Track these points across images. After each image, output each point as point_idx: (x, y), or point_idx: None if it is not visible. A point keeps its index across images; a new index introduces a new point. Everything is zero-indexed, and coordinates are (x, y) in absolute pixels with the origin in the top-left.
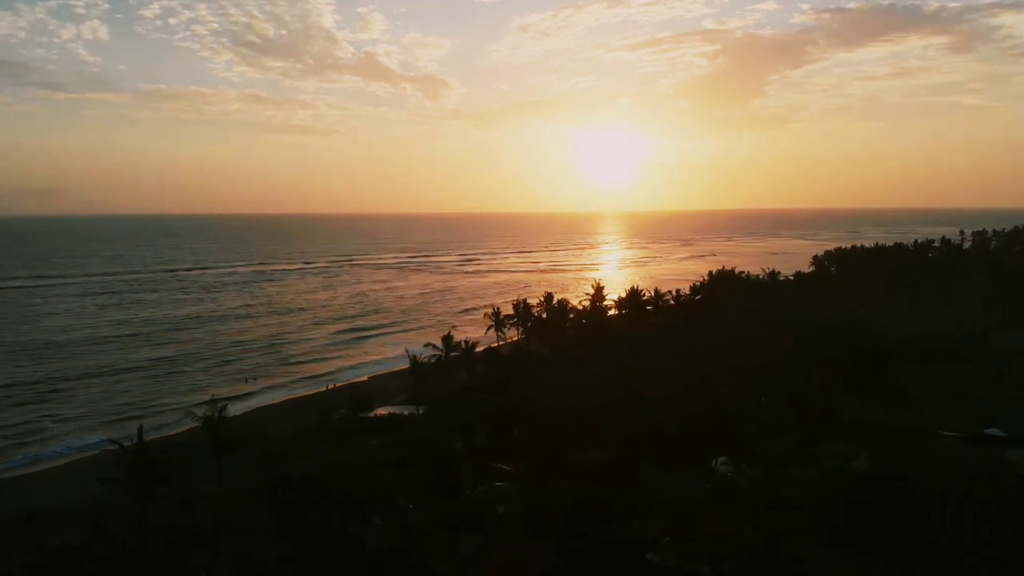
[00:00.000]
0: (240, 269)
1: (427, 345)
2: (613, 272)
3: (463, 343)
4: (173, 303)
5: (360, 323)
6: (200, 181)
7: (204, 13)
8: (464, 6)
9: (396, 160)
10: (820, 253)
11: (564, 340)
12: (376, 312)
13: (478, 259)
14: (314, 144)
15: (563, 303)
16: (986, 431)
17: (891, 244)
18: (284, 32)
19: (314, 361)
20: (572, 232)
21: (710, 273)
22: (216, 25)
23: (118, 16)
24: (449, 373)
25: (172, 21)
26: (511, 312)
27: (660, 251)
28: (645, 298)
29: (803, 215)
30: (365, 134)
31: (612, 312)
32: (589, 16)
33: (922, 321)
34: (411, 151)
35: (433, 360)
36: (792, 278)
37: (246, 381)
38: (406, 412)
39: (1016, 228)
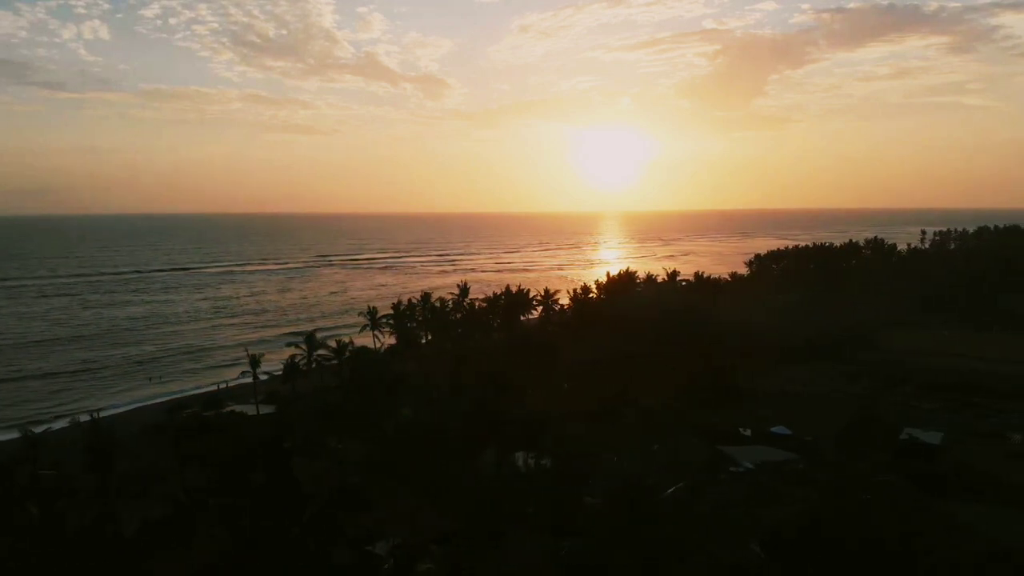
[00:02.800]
0: (210, 269)
1: (290, 344)
2: (581, 271)
3: (336, 342)
4: (123, 304)
5: (303, 327)
6: (201, 180)
7: (204, 13)
8: (464, 6)
9: (396, 159)
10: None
11: (413, 337)
12: (323, 316)
13: (456, 259)
14: (315, 144)
15: (442, 300)
16: (772, 429)
17: (823, 244)
18: (284, 32)
19: (233, 364)
20: (564, 232)
21: (608, 274)
22: (216, 25)
23: (119, 16)
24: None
25: (172, 21)
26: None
27: (640, 251)
28: (533, 297)
29: (800, 215)
30: (366, 134)
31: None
32: (589, 16)
33: (824, 321)
34: (411, 151)
35: (299, 361)
36: (692, 279)
37: (150, 380)
38: (250, 412)
39: (981, 228)
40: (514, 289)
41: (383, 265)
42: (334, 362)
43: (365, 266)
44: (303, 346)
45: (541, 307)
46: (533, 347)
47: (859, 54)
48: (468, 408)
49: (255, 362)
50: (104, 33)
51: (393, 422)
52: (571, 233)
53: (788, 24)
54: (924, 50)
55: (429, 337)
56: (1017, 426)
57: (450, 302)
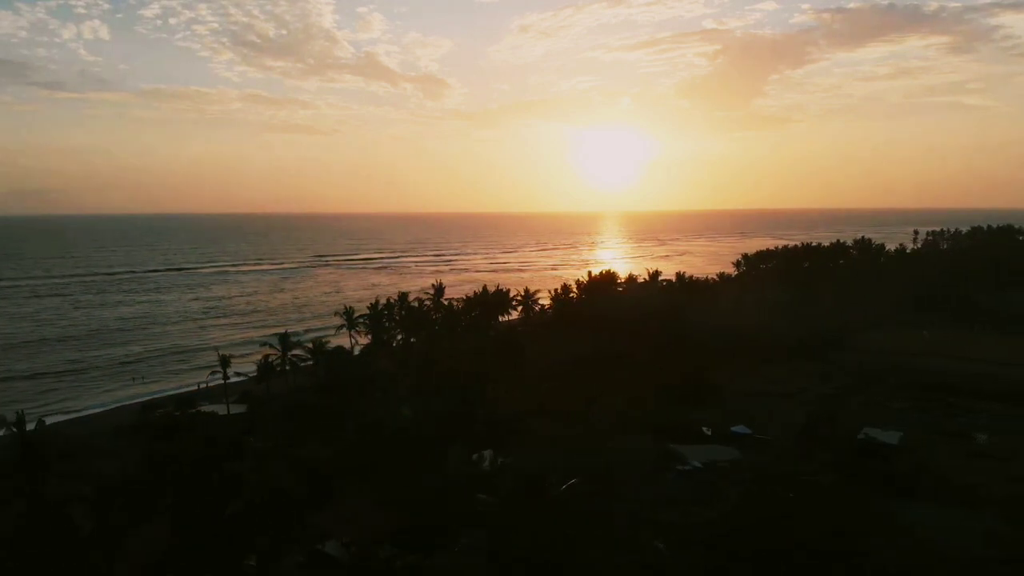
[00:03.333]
0: (205, 269)
1: (264, 344)
2: (576, 271)
3: (311, 343)
4: (114, 305)
5: (292, 327)
6: (200, 180)
7: (204, 13)
8: (464, 6)
9: (396, 159)
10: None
11: (388, 338)
12: (313, 317)
13: (452, 259)
14: (315, 143)
15: (419, 300)
16: (732, 428)
17: (811, 244)
18: (284, 32)
19: (217, 364)
20: (562, 232)
21: (589, 274)
22: (216, 25)
23: (118, 16)
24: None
25: (172, 21)
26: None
27: (636, 250)
28: (514, 297)
29: (800, 215)
30: (365, 134)
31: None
32: (589, 16)
33: (808, 321)
34: (411, 150)
35: (273, 361)
36: (673, 279)
37: (134, 381)
38: (221, 412)
39: (974, 228)
40: (491, 289)
41: (379, 265)
42: (309, 362)
43: (361, 266)
44: (277, 347)
45: (521, 307)
46: (501, 347)
47: (859, 54)
48: (433, 408)
49: (225, 362)
50: (104, 33)
51: (354, 422)
52: (569, 233)
53: (788, 24)
54: (924, 50)
55: (402, 337)
56: (984, 426)
57: (427, 302)
